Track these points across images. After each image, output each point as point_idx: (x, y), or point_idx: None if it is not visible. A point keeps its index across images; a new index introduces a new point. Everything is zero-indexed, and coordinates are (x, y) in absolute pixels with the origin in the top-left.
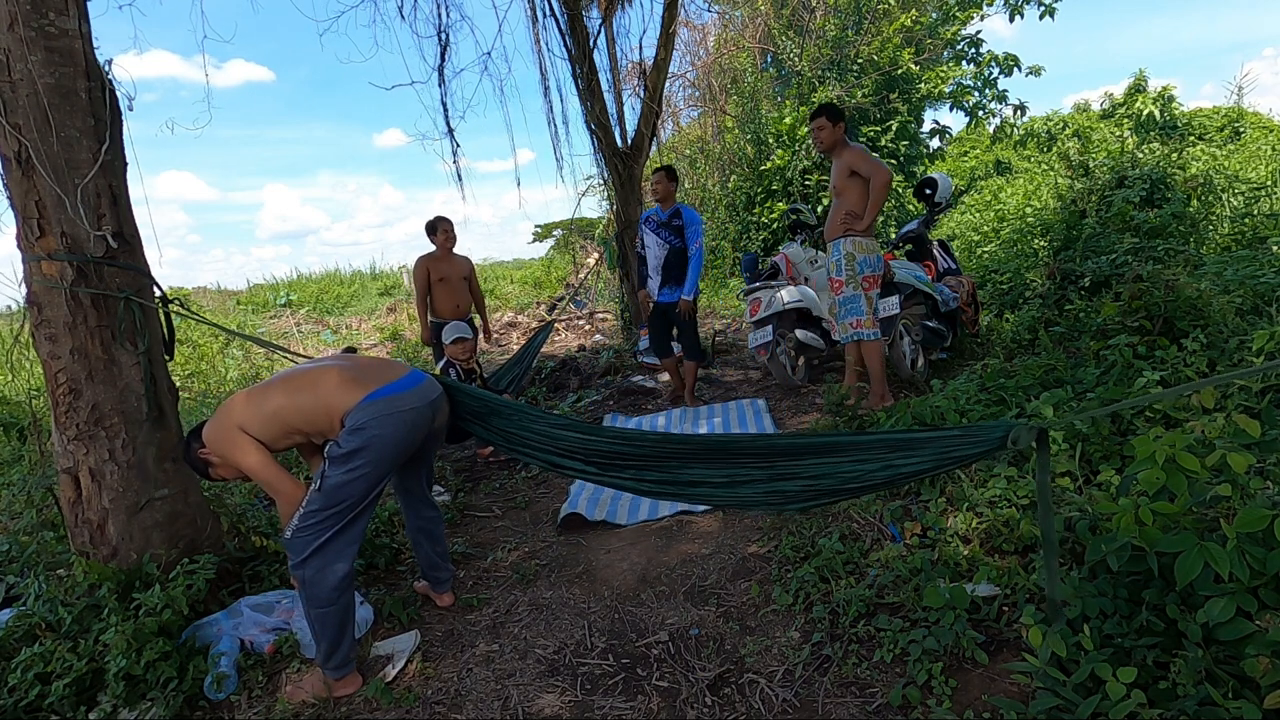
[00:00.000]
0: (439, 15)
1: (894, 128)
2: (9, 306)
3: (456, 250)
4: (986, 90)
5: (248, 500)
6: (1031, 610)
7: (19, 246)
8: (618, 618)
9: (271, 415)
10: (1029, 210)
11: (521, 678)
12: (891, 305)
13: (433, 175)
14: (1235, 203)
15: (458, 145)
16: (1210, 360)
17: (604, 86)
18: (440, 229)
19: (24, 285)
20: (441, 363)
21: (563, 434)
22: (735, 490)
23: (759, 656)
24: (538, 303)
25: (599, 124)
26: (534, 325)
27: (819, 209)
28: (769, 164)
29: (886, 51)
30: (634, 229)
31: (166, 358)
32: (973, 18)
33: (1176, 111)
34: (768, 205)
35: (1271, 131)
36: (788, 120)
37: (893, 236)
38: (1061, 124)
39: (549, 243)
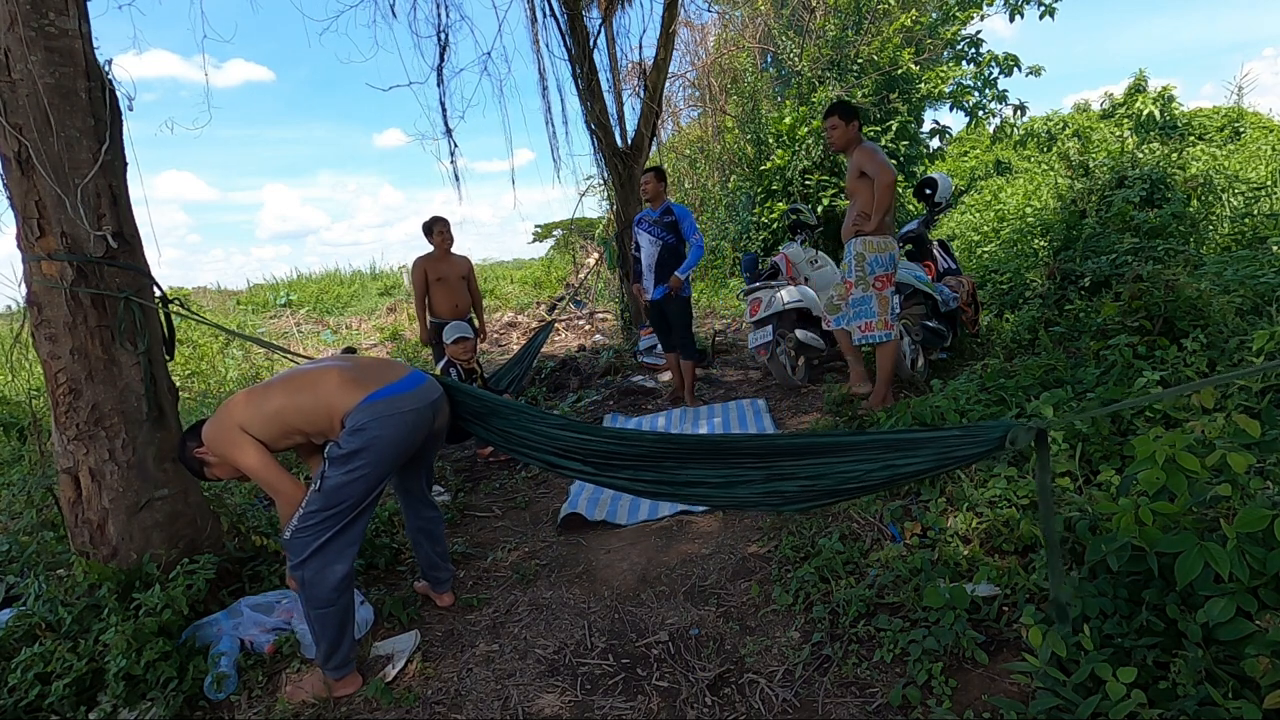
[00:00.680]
0: (438, 15)
1: (894, 128)
2: (9, 306)
3: (456, 250)
4: (986, 90)
5: (248, 500)
6: (1031, 610)
7: (19, 246)
8: (618, 618)
9: (272, 415)
10: (1029, 210)
11: (521, 678)
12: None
13: (433, 175)
14: (1235, 203)
15: (456, 145)
16: (1210, 360)
17: (604, 86)
18: (436, 230)
19: (24, 285)
20: (442, 362)
21: (561, 434)
22: (733, 490)
23: (759, 656)
24: (538, 303)
25: (599, 124)
26: (534, 325)
27: (819, 209)
28: (769, 164)
29: (886, 51)
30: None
31: (166, 358)
32: (973, 18)
33: (1176, 111)
34: (768, 205)
35: (1271, 131)
36: (788, 120)
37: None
38: (1061, 124)
39: (549, 243)
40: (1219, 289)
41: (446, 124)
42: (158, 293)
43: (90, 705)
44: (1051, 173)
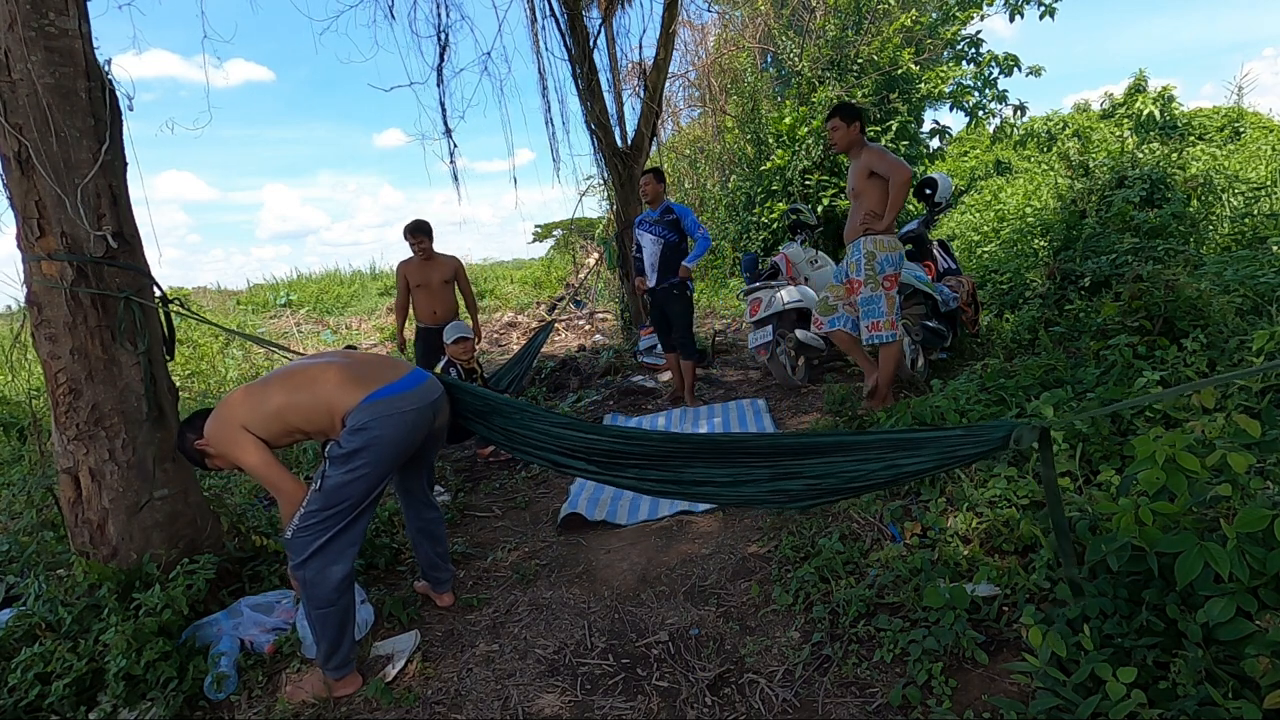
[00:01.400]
0: (438, 15)
1: (894, 128)
2: (9, 306)
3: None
4: (986, 90)
5: (248, 500)
6: (1031, 610)
7: (19, 246)
8: (618, 618)
9: (273, 415)
10: (1029, 210)
11: (521, 678)
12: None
13: (433, 175)
14: (1235, 203)
15: (455, 145)
16: (1210, 360)
17: (604, 86)
18: (412, 239)
19: (24, 285)
20: (442, 362)
21: (565, 433)
22: (738, 489)
23: (759, 656)
24: (538, 303)
25: (599, 124)
26: (534, 325)
27: (819, 209)
28: (769, 164)
29: (886, 51)
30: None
31: (166, 358)
32: (973, 18)
33: (1176, 111)
34: (768, 205)
35: (1271, 131)
36: (788, 120)
37: None
38: (1061, 124)
39: (549, 243)
40: (1219, 289)
41: (446, 124)
42: (158, 293)
43: (90, 705)
44: (1051, 173)
